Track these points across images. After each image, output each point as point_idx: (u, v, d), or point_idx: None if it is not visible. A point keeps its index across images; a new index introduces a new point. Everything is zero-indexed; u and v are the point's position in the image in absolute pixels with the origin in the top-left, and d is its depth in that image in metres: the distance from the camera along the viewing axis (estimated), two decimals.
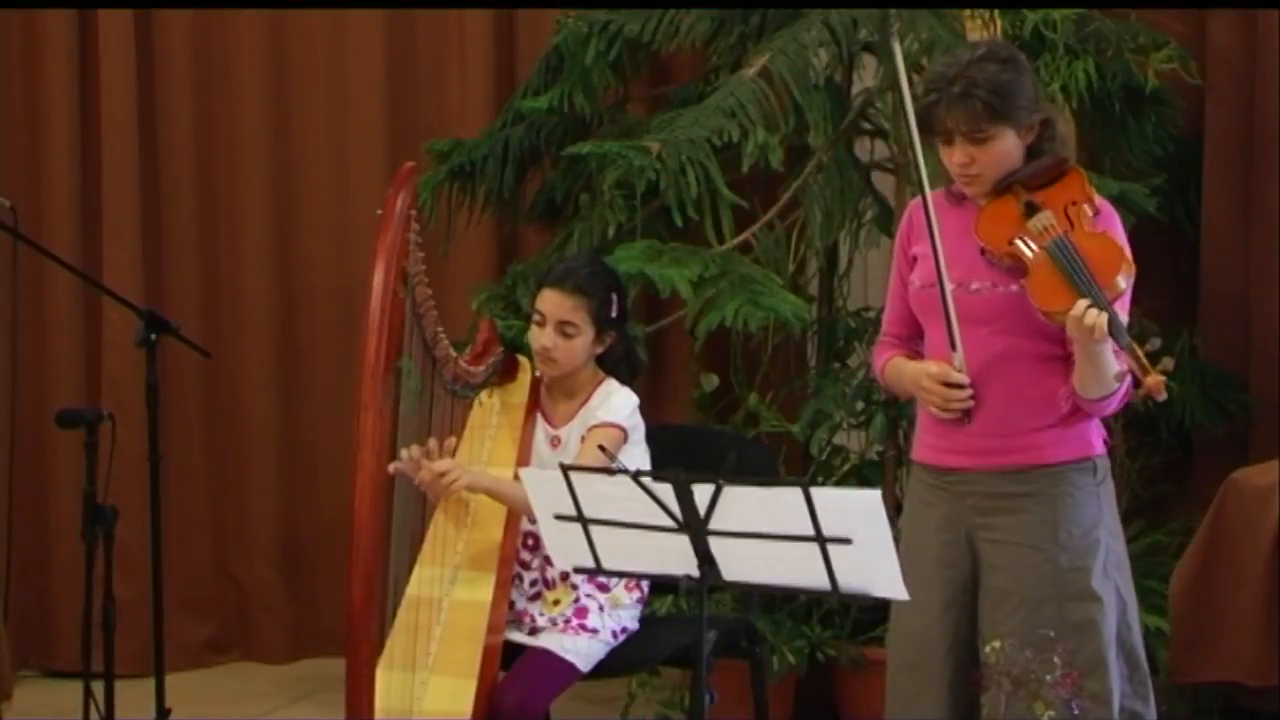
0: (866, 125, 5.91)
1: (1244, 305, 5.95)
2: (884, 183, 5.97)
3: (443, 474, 4.37)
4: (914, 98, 3.83)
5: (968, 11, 5.60)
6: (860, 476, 5.65)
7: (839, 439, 5.79)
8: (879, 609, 5.52)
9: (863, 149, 6.02)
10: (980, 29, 5.64)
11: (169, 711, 5.26)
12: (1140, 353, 3.55)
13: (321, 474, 6.62)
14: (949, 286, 3.78)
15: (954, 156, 3.79)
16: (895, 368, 3.99)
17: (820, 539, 3.45)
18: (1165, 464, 5.87)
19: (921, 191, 3.83)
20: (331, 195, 6.65)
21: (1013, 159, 3.80)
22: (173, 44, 6.60)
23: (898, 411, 5.57)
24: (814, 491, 3.43)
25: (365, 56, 6.60)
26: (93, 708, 4.98)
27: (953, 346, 3.78)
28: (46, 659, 6.57)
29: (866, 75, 5.89)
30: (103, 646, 4.96)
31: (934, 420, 3.88)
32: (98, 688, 4.98)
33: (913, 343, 3.99)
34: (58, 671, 6.45)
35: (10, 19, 6.51)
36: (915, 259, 3.93)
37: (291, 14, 6.62)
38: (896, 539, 3.51)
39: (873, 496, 3.45)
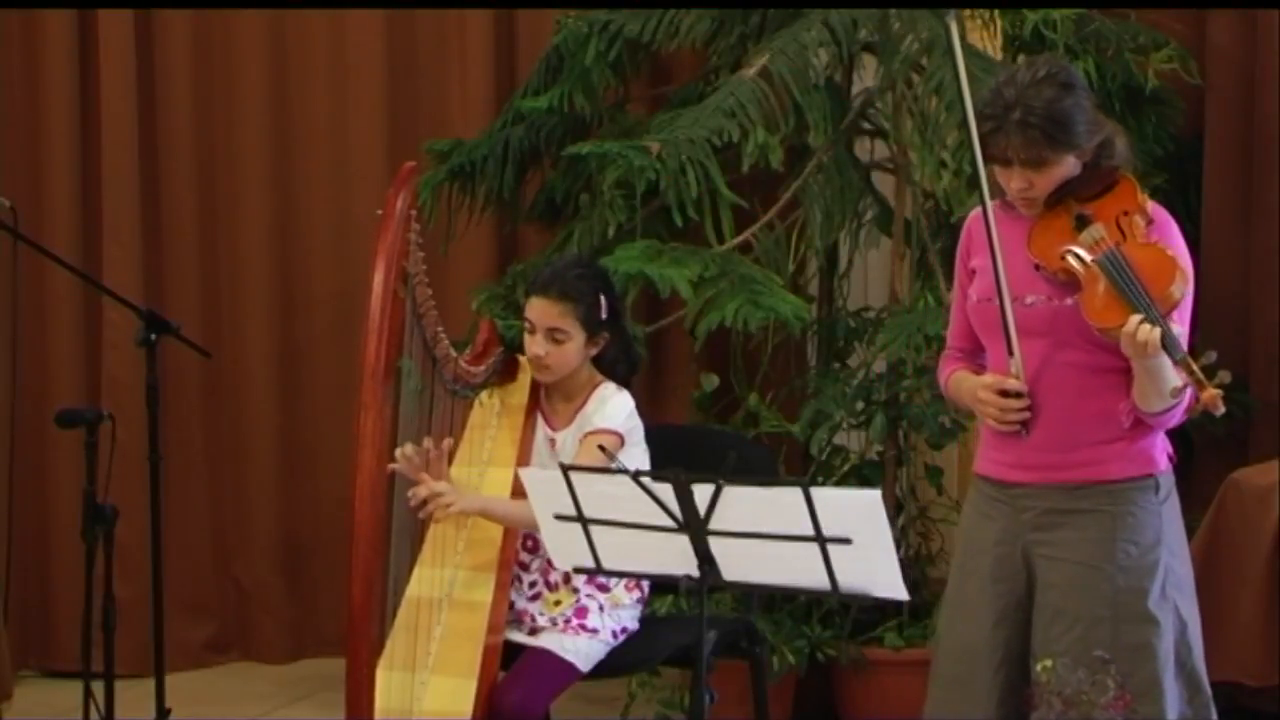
0: (866, 125, 5.91)
1: (1244, 305, 5.95)
2: (884, 183, 5.97)
3: (439, 494, 4.36)
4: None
5: (968, 12, 5.60)
6: (860, 476, 5.65)
7: (839, 439, 5.79)
8: (879, 609, 5.54)
9: (863, 149, 6.02)
10: (980, 29, 5.64)
11: (169, 712, 5.27)
12: (1195, 366, 3.47)
13: (322, 474, 6.61)
14: (1008, 299, 3.70)
15: (1012, 181, 3.71)
16: (957, 381, 3.93)
17: (820, 539, 3.46)
18: None
19: (983, 204, 3.75)
20: (332, 195, 6.64)
21: (1069, 177, 3.72)
22: (173, 44, 6.60)
23: (898, 411, 5.57)
24: (814, 491, 3.43)
25: (365, 56, 6.59)
26: (93, 708, 4.98)
27: (1010, 353, 3.72)
28: (46, 659, 6.56)
29: (866, 75, 5.90)
30: (103, 646, 4.96)
31: (995, 434, 3.81)
32: (98, 688, 4.98)
33: (977, 356, 3.92)
34: (58, 671, 6.45)
35: (10, 19, 6.51)
36: (974, 272, 3.86)
37: (291, 14, 6.61)
38: (897, 540, 3.49)
39: (873, 496, 3.45)
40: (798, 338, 5.85)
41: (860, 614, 5.56)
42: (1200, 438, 5.90)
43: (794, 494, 3.44)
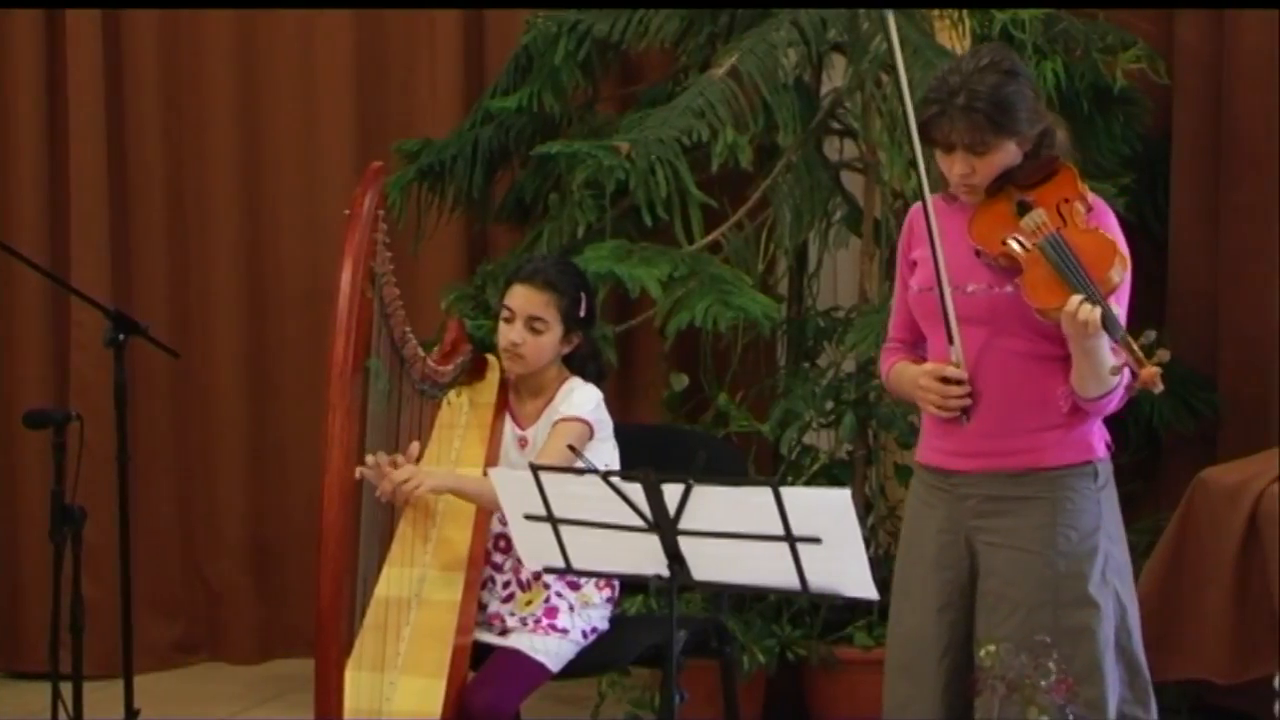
0: (835, 125, 5.91)
1: (1212, 305, 5.97)
2: (853, 182, 5.97)
3: (404, 481, 4.36)
4: (915, 107, 3.81)
5: (936, 12, 5.61)
6: (830, 476, 5.65)
7: (808, 438, 5.79)
8: (849, 608, 5.54)
9: (832, 149, 6.03)
10: (949, 29, 5.65)
11: (137, 712, 5.25)
12: (1135, 345, 3.54)
13: (290, 474, 6.61)
14: (948, 288, 3.76)
15: (954, 167, 3.77)
16: (898, 372, 3.98)
17: (790, 538, 3.46)
18: (1134, 463, 5.87)
19: (922, 195, 3.81)
20: (300, 195, 6.63)
21: (1010, 165, 3.79)
22: (141, 44, 6.58)
23: (867, 411, 5.57)
24: (783, 491, 3.43)
25: (334, 56, 6.59)
26: (61, 709, 4.96)
27: (950, 341, 3.77)
28: (14, 660, 6.55)
29: (835, 75, 5.90)
30: (71, 647, 4.94)
31: (936, 422, 3.86)
32: (66, 689, 4.96)
33: (917, 348, 3.97)
34: (25, 673, 6.43)
35: None
36: (915, 263, 3.92)
37: (260, 14, 6.60)
38: (866, 539, 3.51)
39: (842, 496, 3.46)
40: (767, 337, 5.85)
41: (830, 613, 5.57)
42: (1169, 437, 5.93)
43: (764, 494, 3.44)
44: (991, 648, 3.56)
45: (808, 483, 5.54)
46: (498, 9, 6.51)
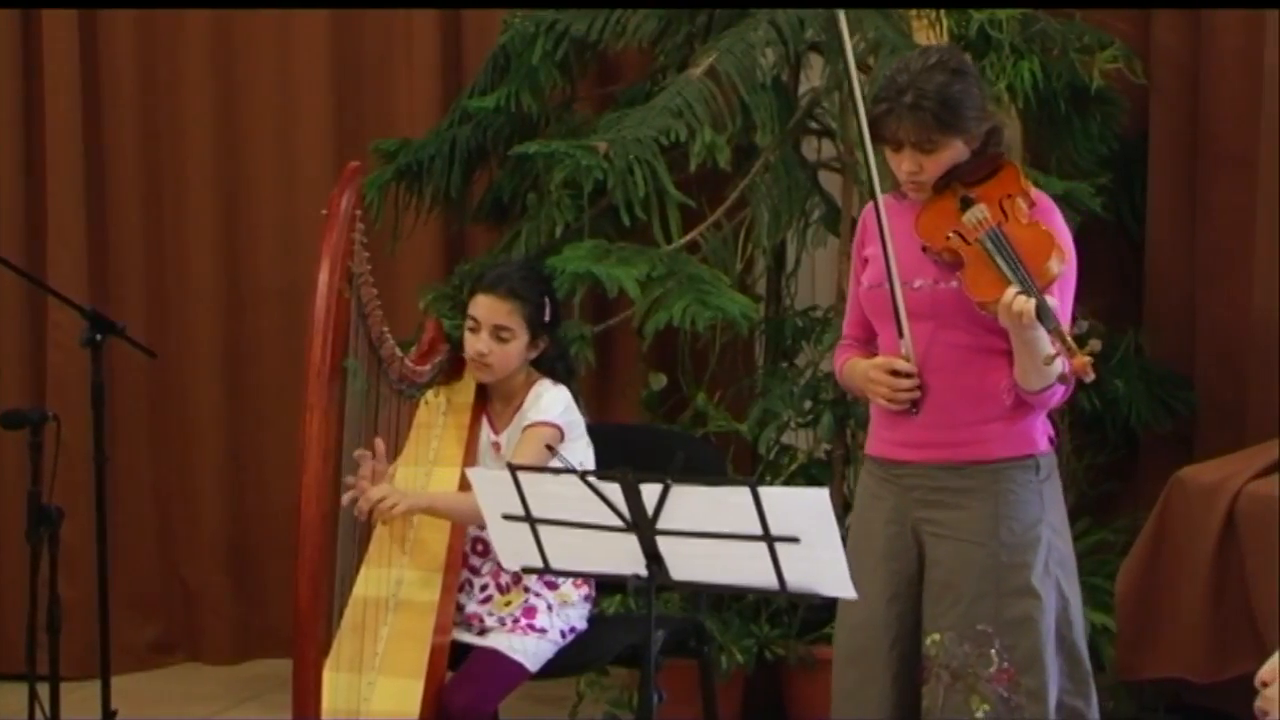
0: (813, 125, 5.92)
1: (1189, 304, 5.98)
2: (831, 182, 5.97)
3: (380, 500, 4.36)
4: (864, 102, 3.88)
5: (914, 11, 5.61)
6: (808, 475, 5.65)
7: (787, 438, 5.80)
8: (827, 608, 5.52)
9: (810, 148, 6.03)
10: (926, 29, 5.65)
11: (115, 713, 5.24)
12: (1066, 335, 3.60)
13: (268, 475, 6.59)
14: (898, 283, 3.82)
15: (902, 164, 3.85)
16: (850, 367, 4.06)
17: (768, 538, 3.46)
18: (1111, 462, 5.89)
19: (873, 193, 3.88)
20: (278, 195, 6.62)
21: (958, 162, 3.86)
22: (118, 43, 6.56)
23: (845, 410, 5.58)
24: (761, 491, 3.43)
25: (311, 56, 6.57)
26: (38, 710, 4.95)
27: (900, 334, 3.84)
28: None
29: (813, 75, 5.90)
30: (48, 648, 4.93)
31: (883, 413, 3.94)
32: (43, 690, 4.95)
33: (871, 345, 4.04)
34: (2, 674, 6.38)
35: None
36: (867, 260, 3.99)
37: (237, 14, 6.59)
38: (844, 537, 3.53)
39: (820, 495, 3.46)
40: (745, 337, 5.85)
41: (808, 613, 5.57)
42: (1146, 436, 5.94)
43: (742, 493, 3.44)
44: (936, 637, 3.63)
45: (786, 482, 5.55)
46: (475, 9, 6.50)
